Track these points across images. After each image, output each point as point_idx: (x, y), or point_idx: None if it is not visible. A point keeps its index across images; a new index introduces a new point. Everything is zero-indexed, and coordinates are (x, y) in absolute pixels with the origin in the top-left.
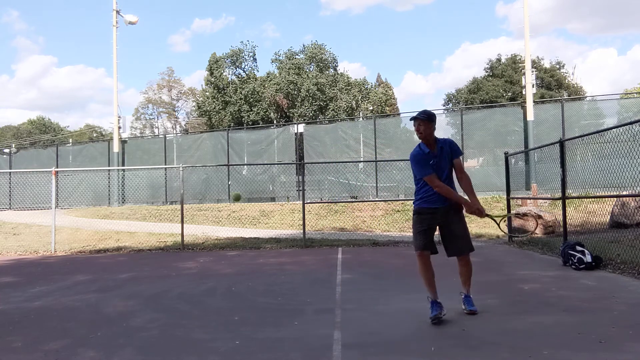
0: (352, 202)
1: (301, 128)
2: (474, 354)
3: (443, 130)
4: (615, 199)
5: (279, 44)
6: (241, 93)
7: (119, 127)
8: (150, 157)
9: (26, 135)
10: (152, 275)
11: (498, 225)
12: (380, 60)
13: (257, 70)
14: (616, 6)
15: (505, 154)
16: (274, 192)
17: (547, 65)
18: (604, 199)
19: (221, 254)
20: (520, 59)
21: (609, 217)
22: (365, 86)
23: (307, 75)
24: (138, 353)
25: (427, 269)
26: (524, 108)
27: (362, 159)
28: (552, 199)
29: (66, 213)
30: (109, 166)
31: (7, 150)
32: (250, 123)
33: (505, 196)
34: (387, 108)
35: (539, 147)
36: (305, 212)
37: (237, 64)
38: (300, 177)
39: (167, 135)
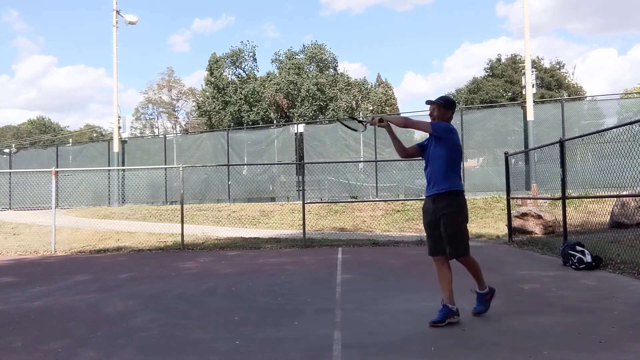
0: (352, 202)
1: (301, 128)
2: (474, 354)
3: None
4: (615, 199)
5: (279, 44)
6: (241, 93)
7: (119, 127)
8: (150, 157)
9: (26, 135)
10: (152, 275)
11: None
12: (380, 60)
13: (257, 70)
14: (616, 6)
15: (505, 154)
16: (274, 192)
17: (547, 65)
18: (604, 199)
19: (221, 254)
20: (520, 59)
21: (609, 217)
22: (365, 86)
23: (307, 75)
24: (138, 353)
25: (439, 275)
26: (524, 108)
27: (362, 159)
28: (552, 199)
29: (66, 213)
30: (109, 166)
31: (7, 150)
32: (250, 123)
33: (505, 196)
34: (387, 108)
35: (539, 147)
36: (305, 212)
37: (237, 64)
38: (300, 177)
39: (167, 135)
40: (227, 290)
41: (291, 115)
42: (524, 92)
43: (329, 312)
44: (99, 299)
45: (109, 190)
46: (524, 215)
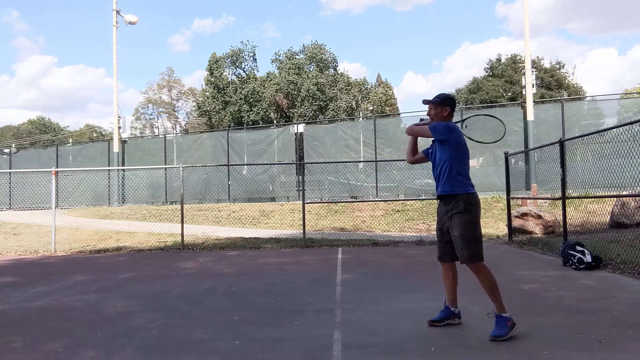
0: (352, 202)
1: (301, 128)
2: (474, 354)
3: None
4: (615, 199)
5: (279, 44)
6: (241, 93)
7: (119, 127)
8: (150, 157)
9: (26, 135)
10: (152, 275)
11: None
12: (380, 60)
13: (257, 70)
14: (616, 6)
15: (505, 154)
16: (274, 192)
17: (547, 65)
18: (604, 199)
19: (221, 254)
20: (520, 59)
21: (609, 217)
22: (365, 86)
23: (307, 75)
24: (138, 353)
25: (444, 279)
26: (524, 108)
27: (362, 159)
28: (552, 199)
29: (66, 213)
30: (109, 166)
31: (7, 150)
32: (250, 123)
33: (505, 196)
34: (387, 108)
35: (539, 147)
36: (305, 212)
37: (237, 64)
38: (300, 177)
39: (167, 135)
40: (227, 290)
41: (291, 115)
42: (524, 92)
43: (329, 312)
44: (99, 299)
45: (109, 190)
46: (524, 215)
